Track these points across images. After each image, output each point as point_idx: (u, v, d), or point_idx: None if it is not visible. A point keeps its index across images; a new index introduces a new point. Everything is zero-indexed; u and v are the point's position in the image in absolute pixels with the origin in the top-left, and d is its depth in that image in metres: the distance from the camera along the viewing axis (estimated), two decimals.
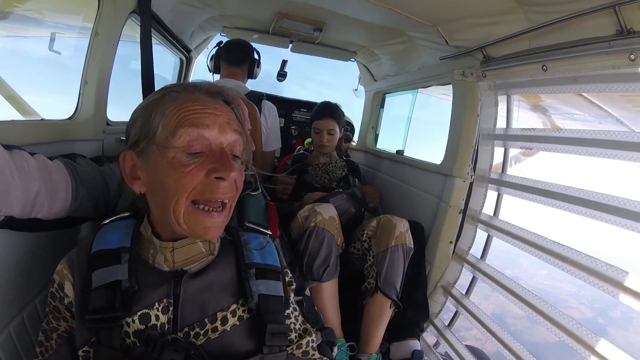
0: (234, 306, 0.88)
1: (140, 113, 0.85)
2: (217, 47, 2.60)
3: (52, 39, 1.66)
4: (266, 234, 1.05)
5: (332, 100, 2.52)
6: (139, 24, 1.68)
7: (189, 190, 0.80)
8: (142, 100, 0.88)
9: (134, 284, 0.82)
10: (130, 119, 0.89)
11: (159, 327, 0.81)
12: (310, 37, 2.90)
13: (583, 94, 1.79)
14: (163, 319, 0.81)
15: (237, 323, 0.88)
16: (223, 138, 0.83)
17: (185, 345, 0.79)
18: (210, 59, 2.56)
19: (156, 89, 1.59)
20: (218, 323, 0.86)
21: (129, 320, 0.80)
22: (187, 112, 0.80)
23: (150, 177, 0.84)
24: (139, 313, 0.81)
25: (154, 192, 0.85)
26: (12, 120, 1.33)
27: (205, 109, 0.82)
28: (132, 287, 0.82)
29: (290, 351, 0.91)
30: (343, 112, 2.48)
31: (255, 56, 2.52)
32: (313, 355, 0.96)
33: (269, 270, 0.93)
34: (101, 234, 0.90)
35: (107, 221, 0.93)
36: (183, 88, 0.85)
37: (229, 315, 0.87)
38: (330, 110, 2.38)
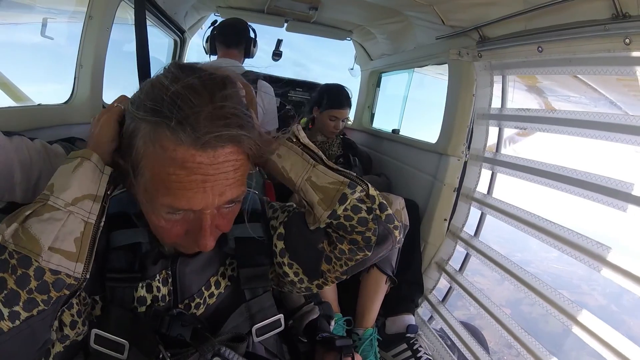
0: (222, 268, 0.92)
1: (132, 113, 0.70)
2: (212, 28, 2.56)
3: (44, 25, 1.63)
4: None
5: (332, 81, 2.52)
6: (132, 5, 1.66)
7: (168, 240, 0.77)
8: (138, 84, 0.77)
9: (155, 247, 0.82)
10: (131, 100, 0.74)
11: (160, 299, 0.83)
12: (306, 16, 2.86)
13: (579, 76, 1.80)
14: (164, 290, 0.84)
15: (229, 283, 0.91)
16: (212, 204, 0.70)
17: (191, 320, 0.82)
18: (206, 41, 2.52)
19: (152, 70, 1.58)
20: (213, 288, 0.89)
21: (140, 285, 0.82)
22: (176, 182, 0.65)
23: (130, 182, 0.73)
24: (145, 282, 0.83)
25: (137, 199, 0.75)
26: (9, 107, 1.34)
27: (198, 177, 0.65)
28: (153, 250, 0.83)
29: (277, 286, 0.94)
30: None
31: (252, 35, 2.48)
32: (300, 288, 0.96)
33: (247, 212, 0.87)
34: (117, 198, 0.84)
35: (116, 192, 0.87)
36: (179, 125, 0.62)
37: (219, 278, 0.91)
38: (348, 100, 2.41)
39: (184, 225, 0.72)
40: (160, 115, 0.63)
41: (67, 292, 0.66)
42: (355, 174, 0.88)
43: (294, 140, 0.89)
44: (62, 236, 0.65)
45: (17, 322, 0.61)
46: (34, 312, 0.62)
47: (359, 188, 0.83)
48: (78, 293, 0.72)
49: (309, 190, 0.84)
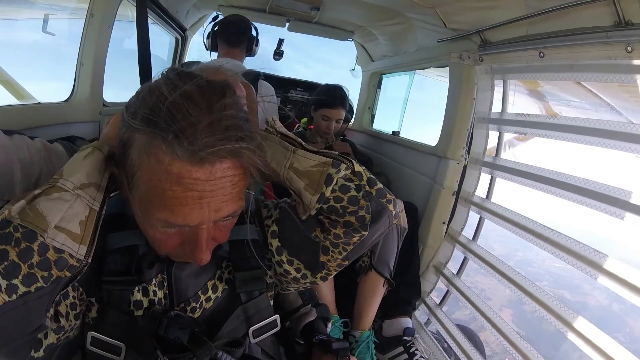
0: (218, 272, 0.91)
1: (127, 120, 0.66)
2: (213, 23, 2.53)
3: (45, 21, 1.62)
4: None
5: (336, 80, 2.51)
6: (134, 3, 1.66)
7: (163, 251, 0.76)
8: (139, 83, 0.75)
9: (152, 249, 0.80)
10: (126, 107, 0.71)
11: (156, 303, 0.82)
12: (307, 16, 2.85)
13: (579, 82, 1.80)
14: (160, 294, 0.83)
15: (226, 286, 0.91)
16: (208, 220, 0.68)
17: (189, 322, 0.82)
18: (207, 37, 2.50)
19: (153, 69, 1.58)
20: (210, 292, 0.89)
21: (136, 288, 0.81)
22: (172, 198, 0.63)
23: (125, 192, 0.72)
24: (142, 285, 0.82)
25: (131, 208, 0.73)
26: (9, 105, 1.34)
27: (195, 193, 0.63)
28: (150, 252, 0.81)
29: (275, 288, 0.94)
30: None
31: (254, 33, 2.47)
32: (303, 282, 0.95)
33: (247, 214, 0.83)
34: (113, 200, 0.80)
35: (113, 194, 0.86)
36: (176, 138, 0.60)
37: (216, 282, 0.90)
38: (342, 101, 2.38)
39: (179, 238, 0.71)
40: (156, 127, 0.61)
41: (68, 274, 0.65)
42: (337, 153, 0.85)
43: (271, 130, 0.88)
44: (69, 217, 0.65)
45: (14, 297, 0.60)
46: (32, 288, 0.61)
47: (343, 166, 0.81)
48: (77, 281, 0.70)
49: (294, 178, 0.82)
